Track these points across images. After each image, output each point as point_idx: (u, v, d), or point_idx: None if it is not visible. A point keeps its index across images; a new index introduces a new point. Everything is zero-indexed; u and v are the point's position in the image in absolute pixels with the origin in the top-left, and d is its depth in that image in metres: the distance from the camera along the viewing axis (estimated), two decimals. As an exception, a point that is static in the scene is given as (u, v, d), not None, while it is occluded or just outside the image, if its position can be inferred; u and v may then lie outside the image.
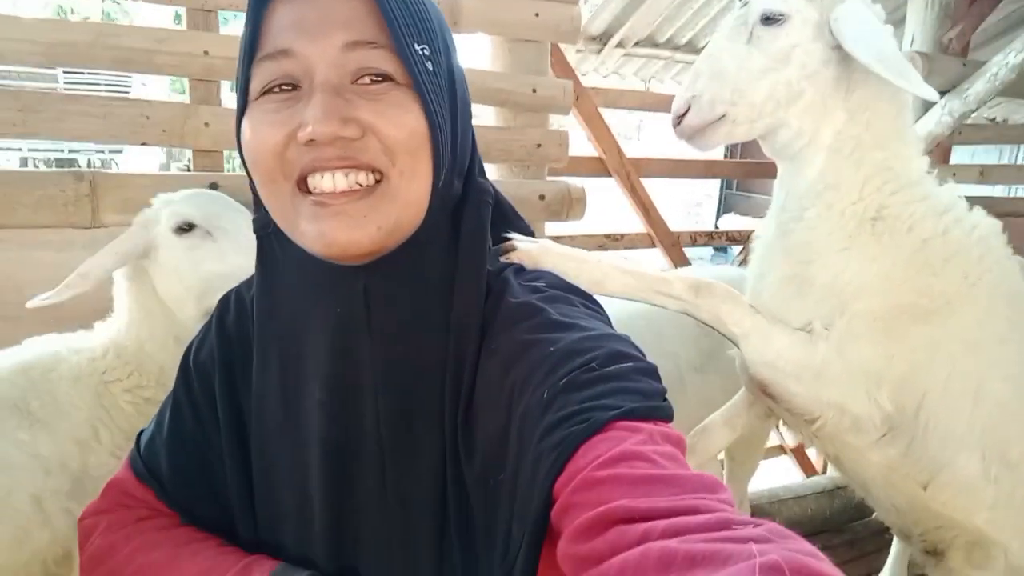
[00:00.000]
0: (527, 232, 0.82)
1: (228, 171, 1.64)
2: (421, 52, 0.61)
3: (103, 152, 7.76)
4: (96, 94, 1.52)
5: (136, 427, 1.21)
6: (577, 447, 0.52)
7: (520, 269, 0.73)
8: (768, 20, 1.17)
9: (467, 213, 0.68)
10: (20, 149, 7.48)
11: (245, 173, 0.66)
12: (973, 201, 1.30)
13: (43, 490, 1.13)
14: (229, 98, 1.68)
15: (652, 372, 0.60)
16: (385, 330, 0.66)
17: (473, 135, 0.72)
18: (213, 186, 1.52)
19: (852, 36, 1.14)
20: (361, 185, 0.61)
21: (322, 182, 0.60)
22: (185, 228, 1.24)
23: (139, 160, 7.41)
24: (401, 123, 0.60)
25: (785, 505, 2.55)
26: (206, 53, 1.52)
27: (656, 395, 0.57)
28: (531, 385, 0.58)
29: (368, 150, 0.60)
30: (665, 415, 0.56)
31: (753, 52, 1.18)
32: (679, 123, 1.22)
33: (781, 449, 3.01)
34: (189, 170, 1.64)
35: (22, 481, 1.13)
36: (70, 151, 7.53)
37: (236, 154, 0.70)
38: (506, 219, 0.80)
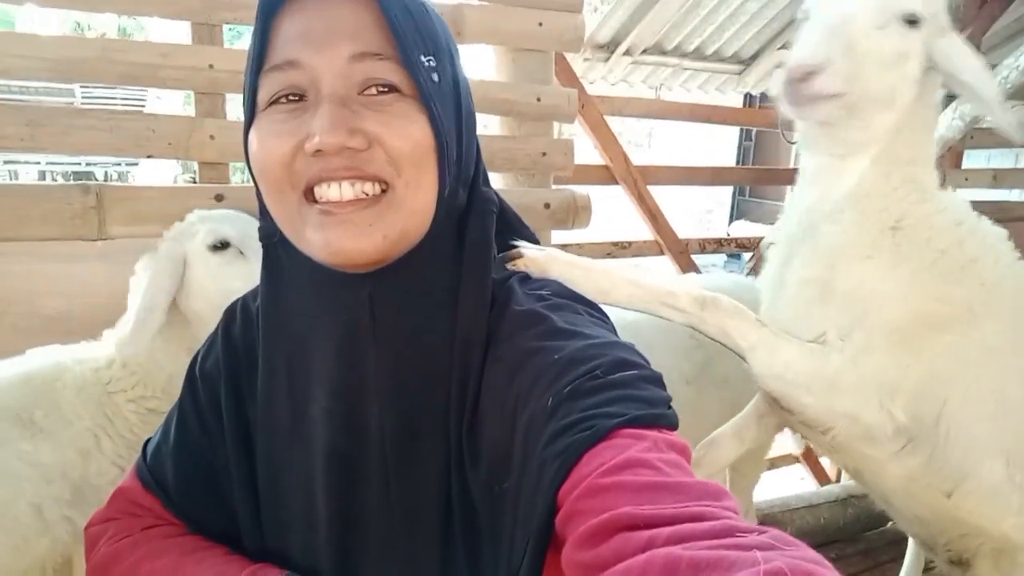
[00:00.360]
0: (533, 240, 0.82)
1: (235, 183, 1.65)
2: (427, 63, 0.62)
3: (120, 165, 7.86)
4: (102, 107, 1.54)
5: (139, 436, 1.22)
6: (581, 454, 0.52)
7: (525, 278, 0.73)
8: (910, 20, 1.14)
9: (472, 222, 0.69)
10: (38, 163, 7.59)
11: (253, 184, 0.67)
12: (987, 205, 1.30)
13: (44, 498, 1.14)
14: (234, 111, 1.69)
15: (657, 380, 0.60)
16: (390, 338, 0.66)
17: (478, 145, 0.72)
18: (218, 198, 1.54)
19: (970, 69, 1.15)
20: (367, 195, 0.61)
21: (329, 192, 0.61)
22: (220, 246, 1.27)
23: (154, 173, 7.50)
24: (407, 134, 0.61)
25: (798, 514, 2.51)
26: (211, 67, 1.53)
27: (661, 403, 0.57)
28: (535, 393, 0.58)
29: (374, 161, 0.60)
30: (670, 423, 0.56)
31: (886, 43, 1.14)
32: (801, 83, 1.11)
33: (794, 458, 2.98)
34: (195, 182, 1.65)
35: (23, 490, 1.13)
36: (87, 164, 7.63)
37: (241, 166, 0.71)
38: (511, 228, 0.80)
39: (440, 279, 0.67)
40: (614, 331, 0.68)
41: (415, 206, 0.63)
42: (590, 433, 0.52)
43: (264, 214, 0.69)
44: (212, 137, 1.56)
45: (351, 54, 0.60)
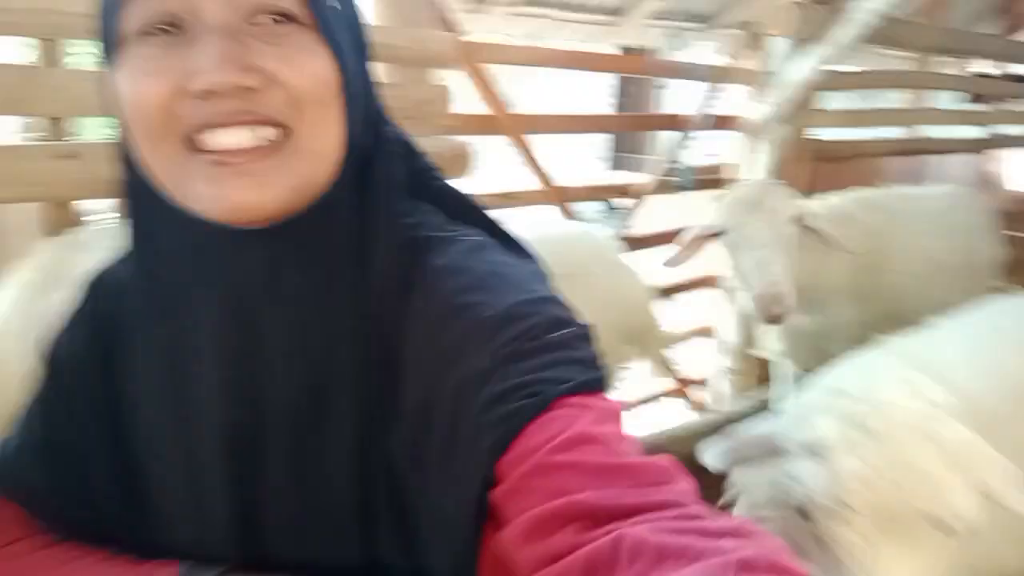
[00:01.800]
0: (444, 184, 0.70)
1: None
2: None
3: None
4: None
5: None
6: (526, 424, 0.49)
7: (439, 218, 0.66)
8: None
9: (377, 166, 0.61)
10: None
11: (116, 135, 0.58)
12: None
13: None
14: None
15: (589, 337, 0.57)
16: (290, 298, 0.59)
17: (377, 81, 0.65)
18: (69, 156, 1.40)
19: None
20: (269, 141, 0.54)
21: (223, 139, 0.52)
22: None
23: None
24: (309, 70, 0.53)
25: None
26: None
27: (597, 364, 0.55)
28: (467, 351, 0.54)
29: (271, 102, 0.52)
30: (606, 385, 0.54)
31: None
32: None
33: (680, 392, 3.14)
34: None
35: None
36: None
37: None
38: (426, 169, 0.69)
39: (345, 230, 0.60)
40: (542, 272, 0.64)
41: (322, 151, 0.56)
42: (534, 401, 0.50)
43: (128, 168, 0.59)
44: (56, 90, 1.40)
45: None
